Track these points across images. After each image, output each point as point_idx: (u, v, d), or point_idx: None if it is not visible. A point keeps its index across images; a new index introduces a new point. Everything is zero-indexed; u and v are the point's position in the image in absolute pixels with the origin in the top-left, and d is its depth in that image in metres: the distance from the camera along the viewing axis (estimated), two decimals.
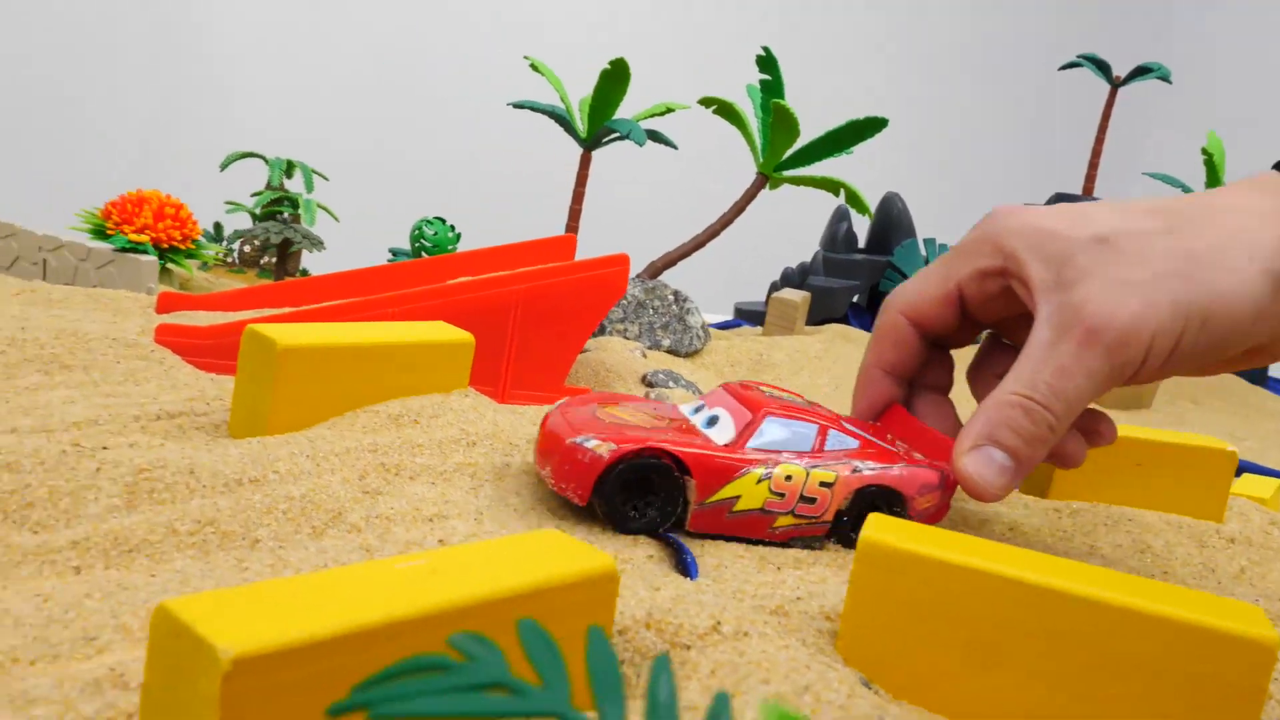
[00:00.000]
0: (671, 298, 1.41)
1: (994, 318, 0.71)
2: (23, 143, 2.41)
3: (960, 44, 3.02)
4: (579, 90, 1.68)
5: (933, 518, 0.67)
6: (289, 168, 1.55)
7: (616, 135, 1.64)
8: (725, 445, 0.64)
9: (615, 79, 1.55)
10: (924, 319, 0.70)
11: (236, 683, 0.31)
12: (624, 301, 1.40)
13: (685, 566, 0.59)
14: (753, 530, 0.64)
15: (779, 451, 0.64)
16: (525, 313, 1.00)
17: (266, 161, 1.55)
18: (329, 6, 2.68)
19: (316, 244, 1.40)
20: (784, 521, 0.64)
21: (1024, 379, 0.61)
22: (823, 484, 0.64)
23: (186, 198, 1.39)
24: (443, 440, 0.73)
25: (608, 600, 0.44)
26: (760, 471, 0.63)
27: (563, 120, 1.64)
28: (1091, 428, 0.71)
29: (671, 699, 0.21)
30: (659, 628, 0.49)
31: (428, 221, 1.54)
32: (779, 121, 1.48)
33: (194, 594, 0.34)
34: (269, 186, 1.54)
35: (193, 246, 1.32)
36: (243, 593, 0.35)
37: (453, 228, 1.54)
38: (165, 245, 1.27)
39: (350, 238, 1.59)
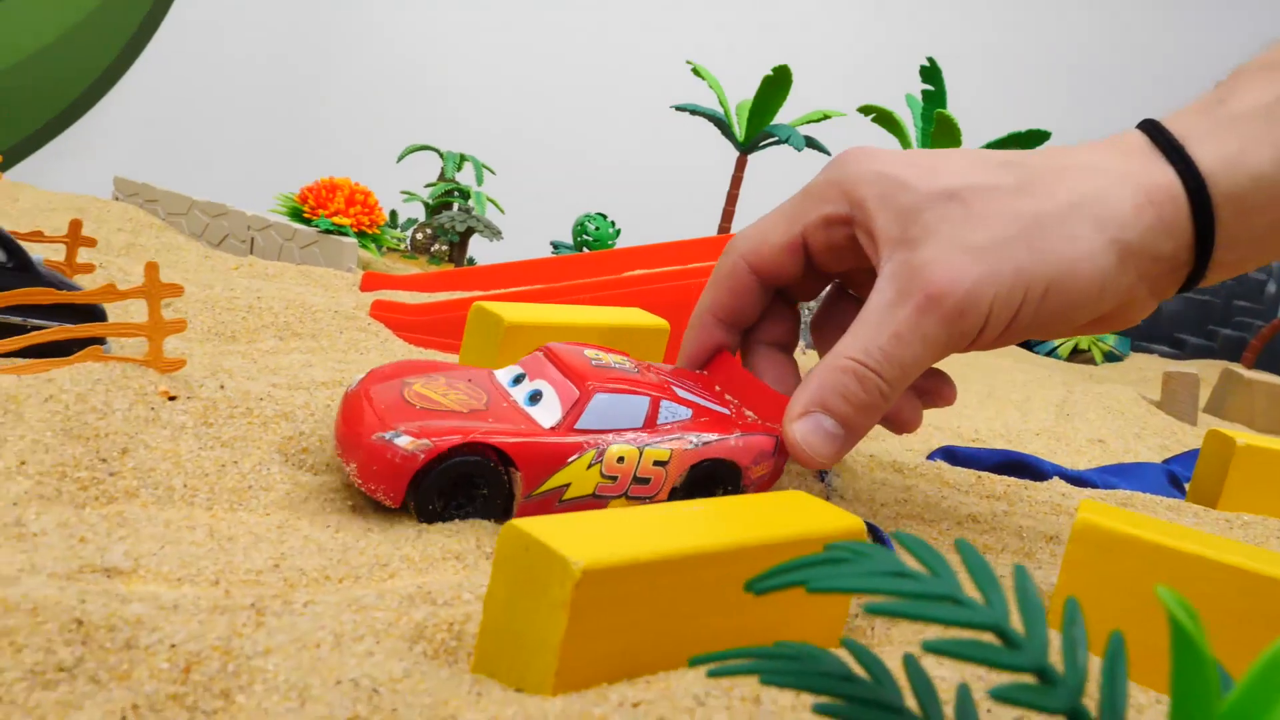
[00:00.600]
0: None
1: (840, 269, 0.66)
2: (231, 131, 2.58)
3: (1121, 62, 2.98)
4: (736, 95, 1.73)
5: (765, 485, 0.64)
6: (460, 161, 1.63)
7: (773, 140, 1.68)
8: (551, 428, 0.58)
9: (777, 85, 1.59)
10: (766, 266, 0.65)
11: (584, 590, 0.36)
12: None
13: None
14: None
15: (608, 431, 0.58)
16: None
17: (441, 155, 1.63)
18: (500, 10, 2.79)
19: (496, 234, 1.48)
20: (617, 505, 0.59)
21: (859, 343, 0.58)
22: (657, 462, 0.59)
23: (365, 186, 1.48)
24: None
25: None
26: (590, 455, 0.57)
27: (721, 124, 1.69)
28: (931, 388, 0.67)
29: (1036, 594, 0.25)
30: None
31: (589, 217, 1.60)
32: (941, 131, 1.50)
33: (533, 518, 0.39)
34: (442, 178, 1.62)
35: (378, 232, 1.40)
36: (573, 519, 0.40)
37: (613, 223, 1.61)
38: (356, 230, 1.36)
39: (512, 229, 1.66)
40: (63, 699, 0.35)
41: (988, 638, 0.25)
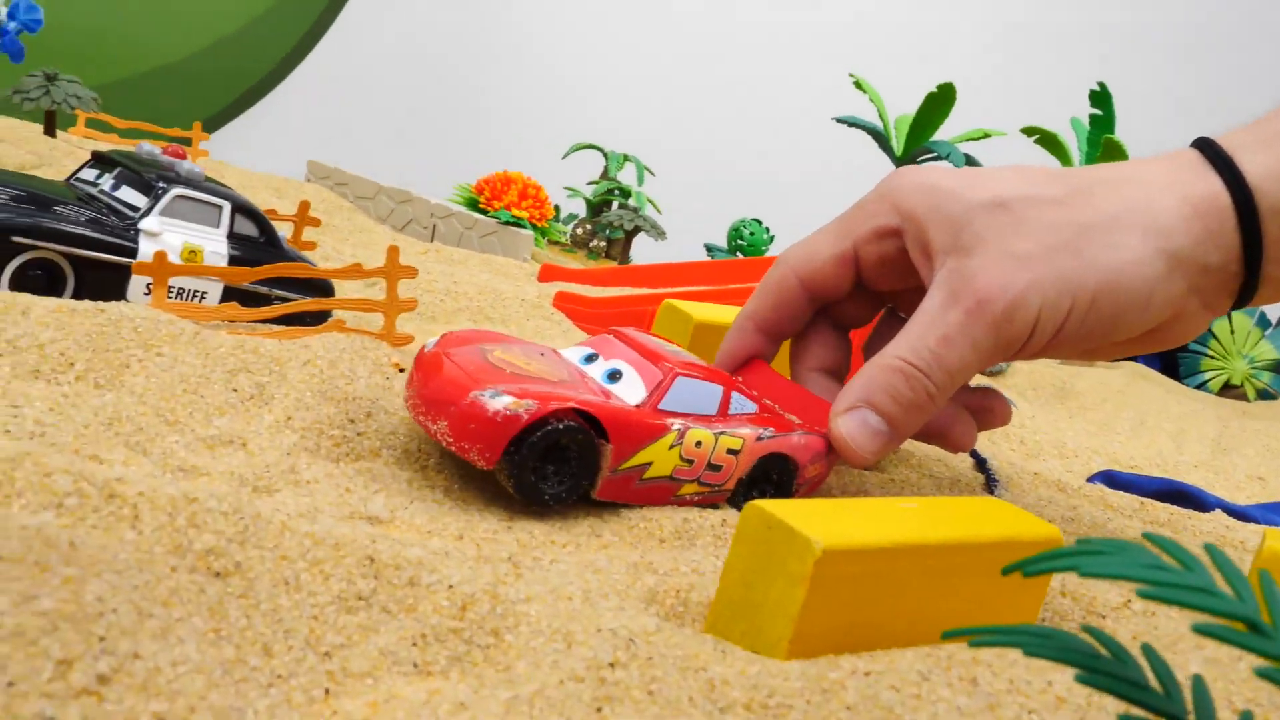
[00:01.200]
0: None
1: (889, 286, 0.66)
2: (415, 124, 2.71)
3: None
4: (896, 109, 1.75)
5: (814, 486, 0.64)
6: (623, 161, 1.69)
7: (932, 155, 1.69)
8: (636, 406, 0.58)
9: (940, 101, 1.60)
10: (815, 278, 0.66)
11: (823, 567, 0.40)
12: None
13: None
14: (657, 499, 0.59)
15: (687, 415, 0.59)
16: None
17: (605, 154, 1.69)
18: (668, 16, 2.86)
19: (660, 234, 1.53)
20: (689, 490, 0.59)
21: (909, 344, 0.58)
22: (729, 450, 0.60)
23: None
24: None
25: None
26: (672, 436, 0.57)
27: (880, 137, 1.71)
28: (984, 406, 0.66)
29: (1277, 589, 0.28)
30: (1074, 597, 0.55)
31: (745, 222, 1.64)
32: (1107, 156, 1.49)
33: (769, 501, 0.44)
34: (605, 176, 1.68)
35: (546, 225, 1.46)
36: (805, 505, 0.44)
37: (768, 229, 1.64)
38: (529, 222, 1.42)
39: (667, 229, 1.71)
40: (363, 623, 0.41)
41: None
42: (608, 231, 1.52)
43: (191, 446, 0.54)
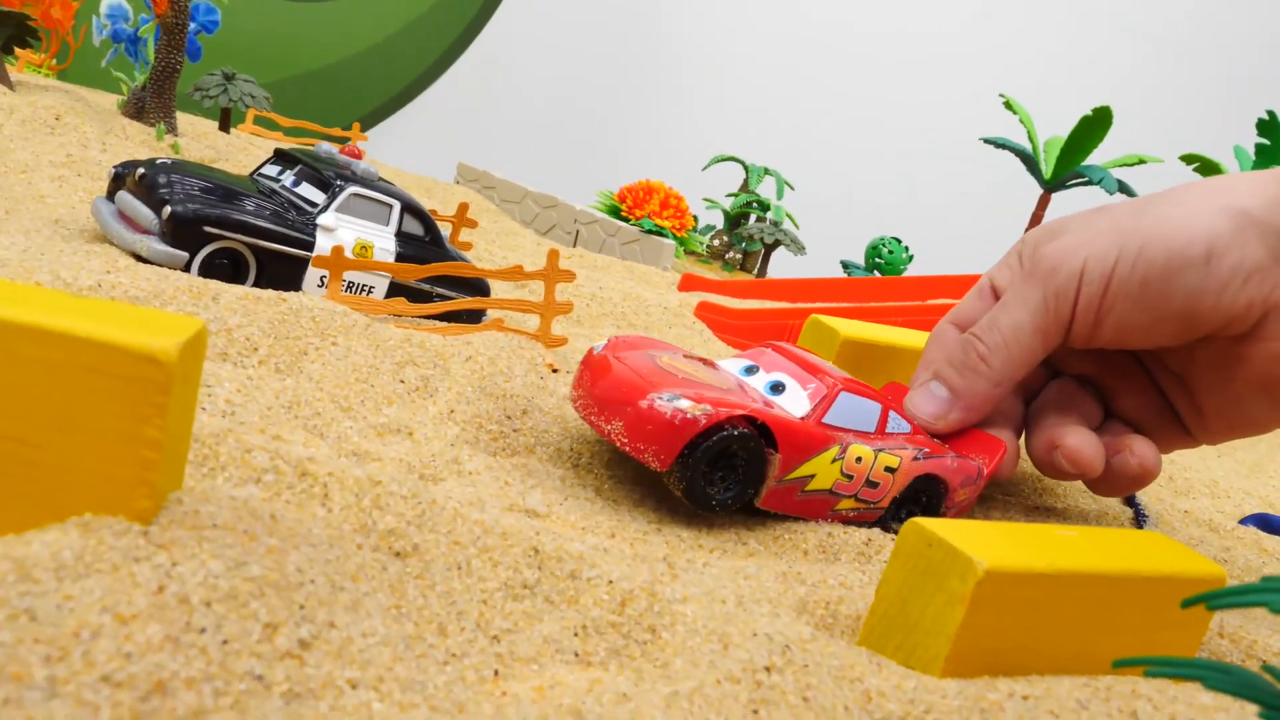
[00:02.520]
0: None
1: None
2: (560, 129, 2.79)
3: None
4: (1045, 132, 1.71)
5: (961, 510, 0.64)
6: (763, 174, 1.69)
7: (1083, 180, 1.65)
8: (802, 419, 0.58)
9: (1095, 125, 1.56)
10: (963, 319, 0.67)
11: (985, 587, 0.40)
12: None
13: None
14: (815, 512, 0.59)
15: (848, 430, 0.59)
16: None
17: (745, 167, 1.70)
18: (813, 31, 2.87)
19: (800, 249, 1.53)
20: (846, 505, 0.60)
21: (979, 321, 0.62)
22: (887, 469, 0.60)
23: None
24: None
25: (1206, 611, 0.50)
26: (835, 450, 0.58)
27: (1028, 160, 1.68)
28: (1120, 445, 0.63)
29: None
30: (1233, 639, 0.54)
31: (884, 240, 1.62)
32: None
33: (929, 520, 0.44)
34: (745, 189, 1.68)
35: (685, 235, 1.48)
36: (965, 526, 0.44)
37: (907, 249, 1.62)
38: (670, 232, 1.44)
39: (805, 243, 1.70)
40: (528, 611, 0.43)
41: None
42: (744, 244, 1.53)
43: (363, 433, 0.56)
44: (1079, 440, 0.62)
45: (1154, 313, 0.56)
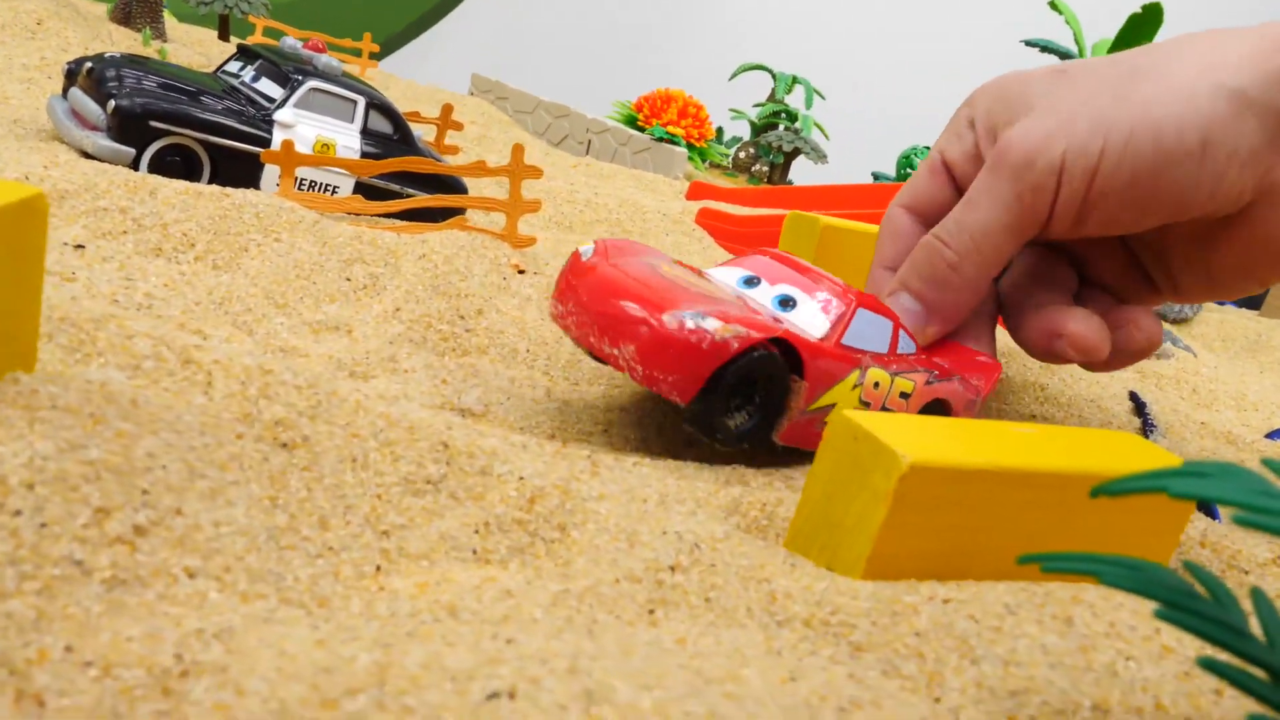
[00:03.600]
0: None
1: None
2: (574, 38, 2.72)
3: None
4: (1093, 35, 1.62)
5: None
6: (792, 83, 1.63)
7: None
8: (821, 339, 0.50)
9: (1144, 24, 1.47)
10: (918, 201, 0.60)
11: (908, 483, 0.37)
12: None
13: (1210, 511, 0.58)
14: None
15: (865, 352, 0.52)
16: None
17: (773, 75, 1.63)
18: None
19: (821, 157, 1.48)
20: None
21: (943, 220, 0.55)
22: (902, 394, 0.53)
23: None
24: None
25: (1186, 510, 0.46)
26: (856, 375, 0.51)
27: None
28: (1122, 319, 0.57)
29: None
30: (1214, 548, 0.50)
31: (917, 150, 1.56)
32: None
33: (860, 411, 0.40)
34: (772, 98, 1.62)
35: (705, 145, 1.43)
36: (902, 418, 0.41)
37: None
38: (685, 141, 1.39)
39: (835, 155, 1.64)
40: (428, 506, 0.40)
41: None
42: (771, 156, 1.47)
43: (296, 329, 0.54)
44: (1083, 327, 0.55)
45: (1141, 207, 0.51)
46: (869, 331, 0.53)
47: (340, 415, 0.42)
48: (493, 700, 0.26)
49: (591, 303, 0.48)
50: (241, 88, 0.71)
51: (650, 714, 0.25)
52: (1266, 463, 0.27)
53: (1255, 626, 0.27)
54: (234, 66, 0.74)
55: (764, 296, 0.53)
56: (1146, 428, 0.73)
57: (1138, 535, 0.44)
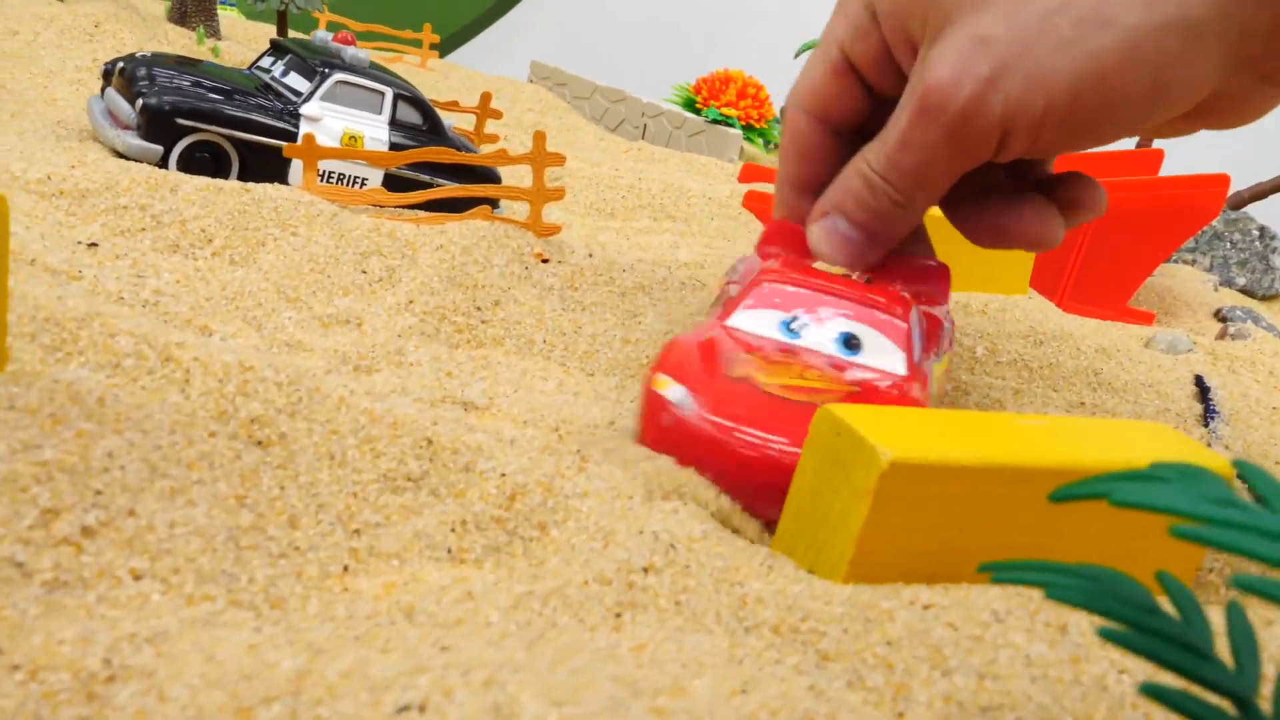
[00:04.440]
0: (1256, 233, 1.27)
1: (899, 87, 0.53)
2: (635, 23, 2.71)
3: None
4: None
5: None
6: None
7: None
8: (907, 378, 0.48)
9: None
10: (822, 104, 0.55)
11: (890, 481, 0.35)
12: (1200, 231, 1.28)
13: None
14: None
15: (924, 353, 0.51)
16: (1101, 224, 0.96)
17: None
18: None
19: None
20: None
21: (875, 147, 0.50)
22: (945, 372, 0.53)
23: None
24: (1011, 334, 0.73)
25: None
26: (931, 386, 0.50)
27: None
28: (1073, 198, 0.54)
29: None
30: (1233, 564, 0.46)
31: None
32: None
33: (855, 405, 0.38)
34: None
35: (765, 126, 1.40)
36: (893, 412, 0.39)
37: None
38: (744, 123, 1.37)
39: None
40: (407, 504, 0.40)
41: None
42: None
43: (305, 324, 0.54)
44: (1036, 221, 0.53)
45: (1090, 141, 0.49)
46: (919, 330, 0.51)
47: (321, 412, 0.41)
48: (403, 713, 0.25)
49: (738, 476, 0.43)
50: (272, 83, 0.72)
51: None
52: (1239, 464, 0.25)
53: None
54: (266, 62, 0.75)
55: (822, 341, 0.49)
56: (1208, 415, 0.69)
57: (1157, 539, 0.41)
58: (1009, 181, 0.55)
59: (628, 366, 0.59)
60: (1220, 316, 1.01)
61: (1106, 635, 0.22)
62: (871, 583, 0.36)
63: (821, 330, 0.49)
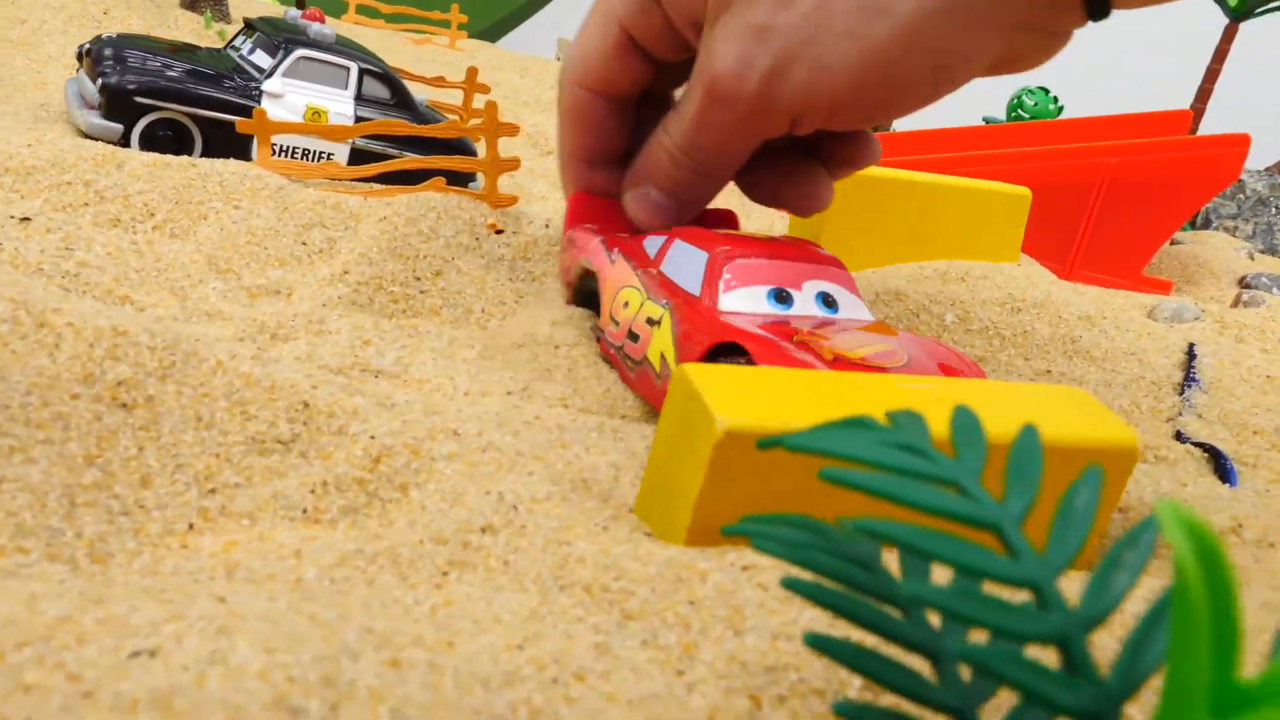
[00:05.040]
0: None
1: (685, 56, 0.54)
2: None
3: None
4: None
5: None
6: None
7: (1277, 5, 1.41)
8: (874, 323, 0.51)
9: None
10: (604, 80, 0.55)
11: (725, 450, 0.34)
12: (1241, 197, 1.22)
13: (1225, 473, 0.52)
14: None
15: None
16: (1113, 189, 0.92)
17: None
18: None
19: None
20: None
21: (674, 123, 0.53)
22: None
23: None
24: (986, 300, 0.71)
25: (1120, 476, 0.41)
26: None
27: None
28: (846, 156, 0.56)
29: (1089, 507, 0.19)
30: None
31: (1029, 91, 1.45)
32: None
33: (713, 365, 0.38)
34: None
35: None
36: (751, 373, 0.37)
37: (1055, 99, 1.45)
38: None
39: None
40: (272, 465, 0.40)
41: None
42: None
43: (230, 294, 0.55)
44: (806, 186, 0.56)
45: (878, 118, 0.51)
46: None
47: (195, 376, 0.42)
48: (135, 658, 0.25)
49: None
50: (240, 61, 0.73)
51: (252, 675, 0.24)
52: (892, 415, 0.24)
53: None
54: (239, 40, 0.76)
55: (805, 305, 0.51)
56: (1186, 382, 0.66)
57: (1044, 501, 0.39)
58: (791, 142, 0.55)
59: (574, 336, 0.59)
60: (1244, 284, 0.96)
61: (788, 585, 0.21)
62: (711, 547, 0.35)
63: (801, 295, 0.51)
